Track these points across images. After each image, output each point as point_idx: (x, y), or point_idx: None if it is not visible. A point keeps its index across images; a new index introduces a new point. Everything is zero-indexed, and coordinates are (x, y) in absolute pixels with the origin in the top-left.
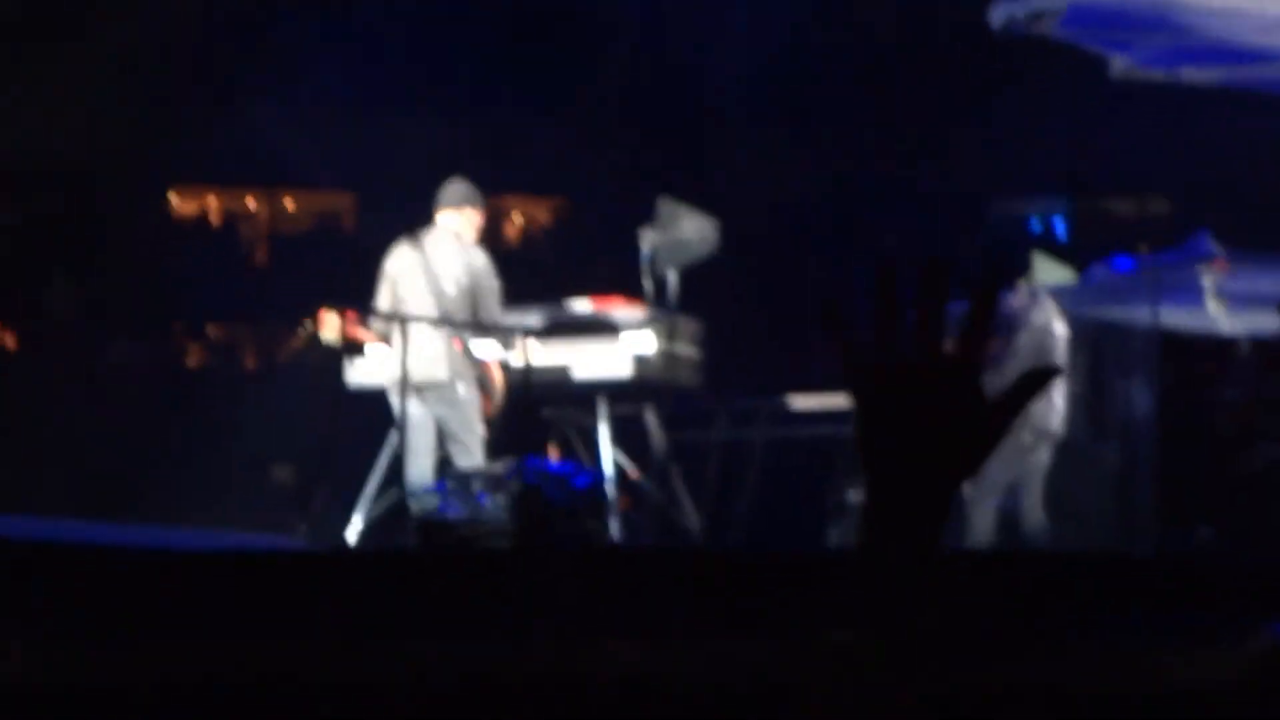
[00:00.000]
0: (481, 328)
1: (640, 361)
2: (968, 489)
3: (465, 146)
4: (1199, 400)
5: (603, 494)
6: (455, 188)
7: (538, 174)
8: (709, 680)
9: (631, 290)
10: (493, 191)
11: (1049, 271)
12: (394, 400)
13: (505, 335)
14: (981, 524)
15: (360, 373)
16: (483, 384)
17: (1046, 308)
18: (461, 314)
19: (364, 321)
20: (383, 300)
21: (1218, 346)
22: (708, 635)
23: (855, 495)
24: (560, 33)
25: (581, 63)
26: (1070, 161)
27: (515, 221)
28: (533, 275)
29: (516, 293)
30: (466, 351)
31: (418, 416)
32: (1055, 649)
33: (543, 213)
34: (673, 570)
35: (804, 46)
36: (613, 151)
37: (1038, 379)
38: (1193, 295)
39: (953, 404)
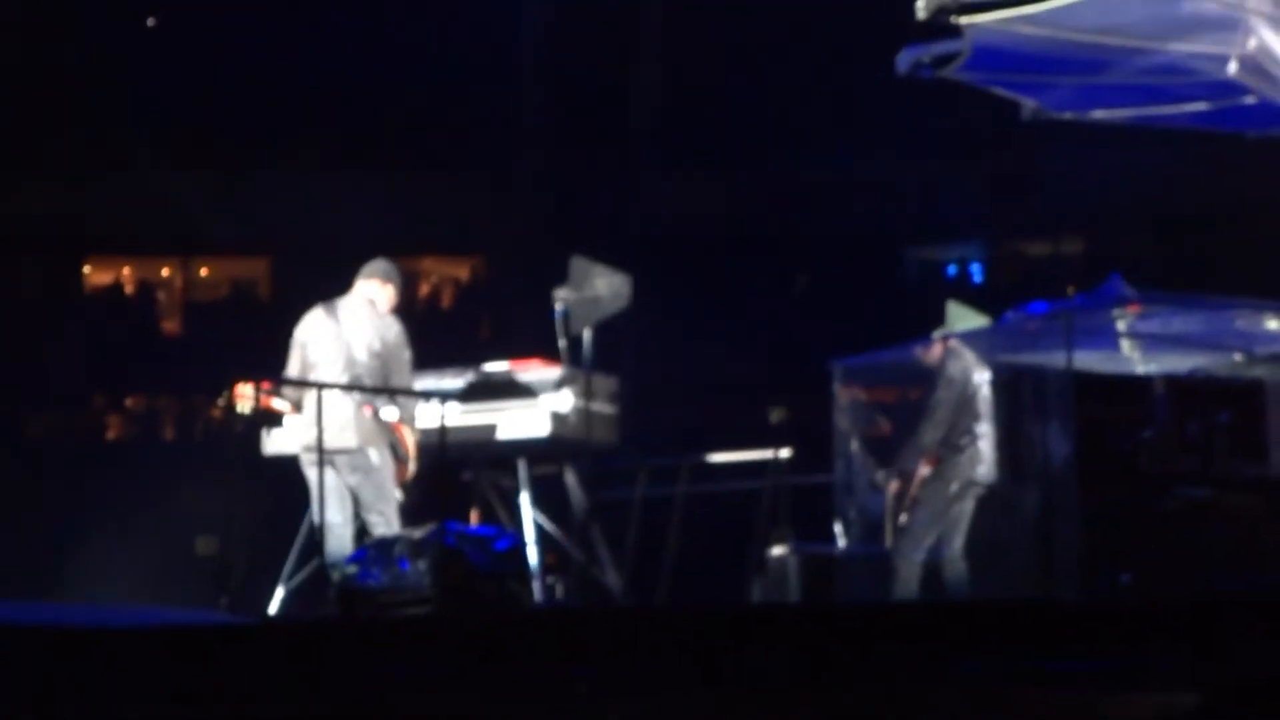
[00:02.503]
0: (394, 393)
1: (558, 420)
2: (896, 541)
3: (381, 208)
4: (1116, 442)
5: (524, 556)
6: (375, 262)
7: (453, 234)
8: None
9: (548, 350)
10: (410, 253)
11: (962, 318)
12: (307, 470)
13: (419, 401)
14: (907, 575)
15: (276, 442)
16: (395, 450)
17: (964, 357)
18: (372, 381)
19: (278, 391)
20: (293, 367)
21: (1133, 388)
22: (635, 694)
23: (777, 550)
24: (475, 96)
25: (495, 124)
26: (985, 205)
27: (431, 281)
28: (448, 335)
29: (433, 354)
30: (377, 418)
31: (333, 485)
32: (985, 695)
33: (459, 271)
34: (596, 631)
35: (716, 96)
36: (528, 211)
37: None
38: (1107, 338)
39: None
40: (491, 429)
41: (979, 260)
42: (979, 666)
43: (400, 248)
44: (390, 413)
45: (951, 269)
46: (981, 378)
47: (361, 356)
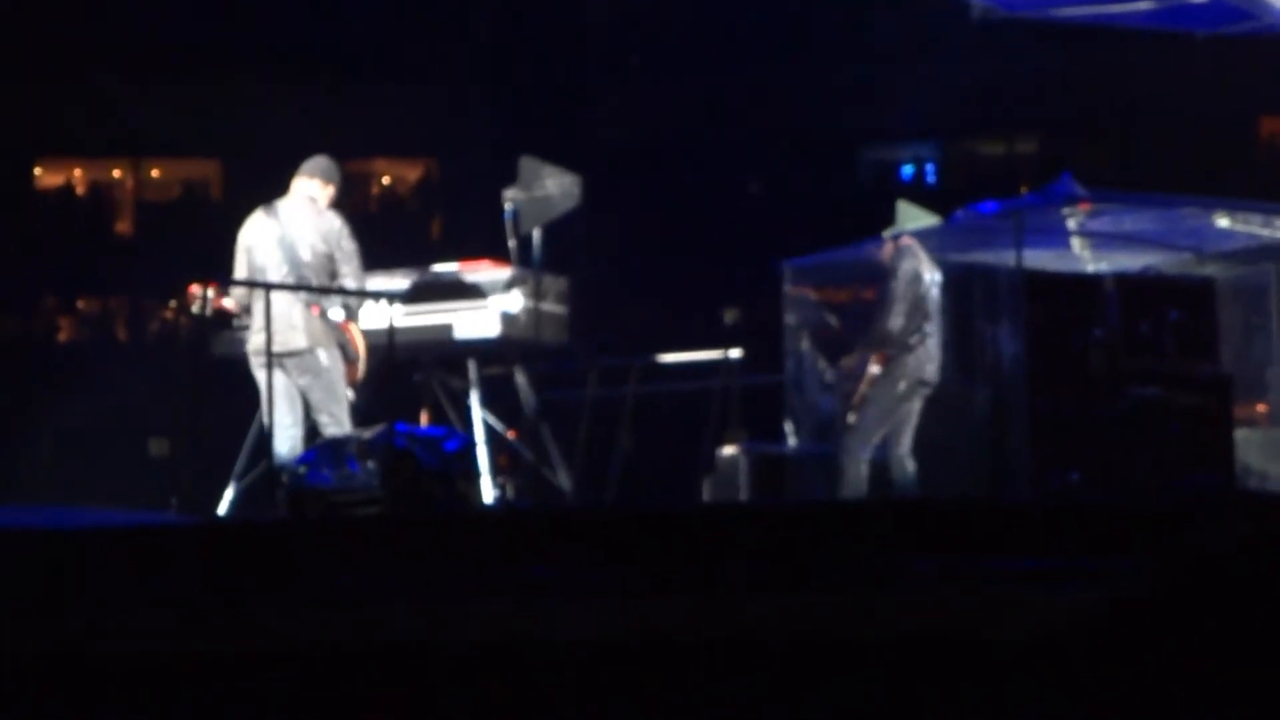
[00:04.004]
0: (344, 293)
1: (508, 321)
2: (844, 440)
3: (332, 111)
4: (1067, 341)
5: (474, 457)
6: (314, 160)
7: (405, 137)
8: (586, 639)
9: (499, 250)
10: (361, 155)
11: (913, 218)
12: (256, 373)
13: (369, 300)
14: (854, 474)
15: (227, 343)
16: (344, 350)
17: (916, 255)
18: (319, 280)
19: (227, 292)
20: (239, 270)
21: (1084, 287)
22: (587, 596)
23: (728, 450)
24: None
25: (448, 27)
26: (939, 105)
27: (383, 183)
28: (401, 237)
29: (384, 256)
30: (325, 318)
31: (282, 386)
32: (922, 593)
33: (411, 174)
34: (546, 531)
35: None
36: (480, 114)
37: None
38: (1057, 236)
39: None
40: (441, 329)
41: (933, 160)
42: (927, 566)
43: (352, 149)
44: (337, 313)
45: (905, 169)
46: (932, 277)
47: (305, 256)
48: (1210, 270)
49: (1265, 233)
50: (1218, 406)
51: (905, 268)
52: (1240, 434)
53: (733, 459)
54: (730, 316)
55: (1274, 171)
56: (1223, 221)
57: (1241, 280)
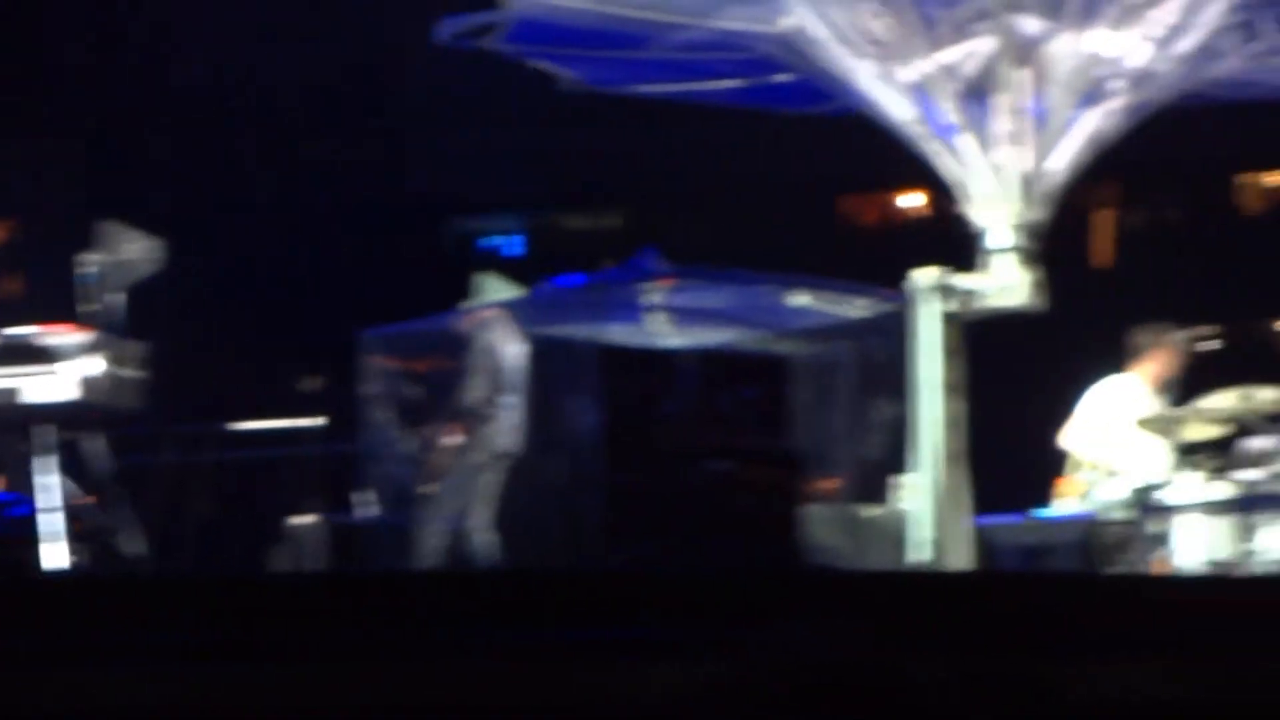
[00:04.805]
0: None
1: (85, 385)
2: (421, 510)
3: None
4: (644, 415)
5: (38, 523)
6: None
7: None
8: (143, 704)
9: (78, 315)
10: None
11: (495, 290)
12: None
13: None
14: (431, 545)
15: None
16: None
17: (497, 327)
18: None
19: None
20: None
21: (663, 361)
22: (149, 662)
23: (302, 519)
24: (9, 54)
25: (29, 85)
26: (525, 176)
27: None
28: None
29: None
30: None
31: None
32: (504, 666)
33: None
34: (109, 598)
35: (259, 66)
36: (60, 175)
37: None
38: (637, 311)
39: None
40: (14, 393)
41: (518, 232)
42: (501, 637)
43: None
44: None
45: (490, 240)
46: (512, 349)
47: None
48: (787, 347)
49: (841, 311)
50: (788, 482)
51: (486, 340)
52: (811, 509)
53: (306, 528)
54: (309, 384)
55: (852, 250)
56: (800, 299)
57: (817, 357)
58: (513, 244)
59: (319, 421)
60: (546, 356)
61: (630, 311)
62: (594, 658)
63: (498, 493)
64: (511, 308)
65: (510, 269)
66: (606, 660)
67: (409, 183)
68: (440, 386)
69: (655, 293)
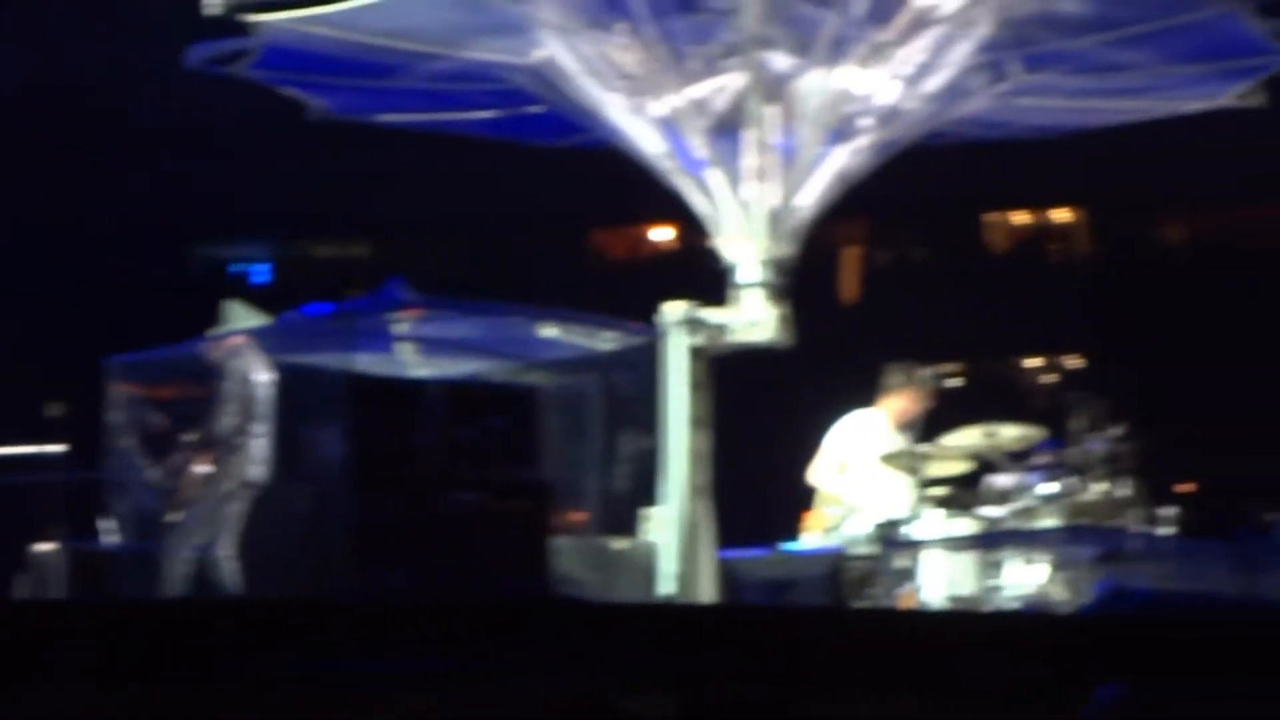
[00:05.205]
0: None
1: None
2: (166, 538)
3: None
4: (391, 445)
5: None
6: None
7: None
8: None
9: None
10: None
11: (242, 318)
12: None
13: None
14: (176, 573)
15: None
16: None
17: (246, 355)
18: None
19: None
20: None
21: (411, 391)
22: None
23: (45, 546)
24: None
25: None
26: (274, 203)
27: None
28: None
29: None
30: None
31: None
32: (250, 694)
33: None
34: None
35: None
36: None
37: None
38: (385, 341)
39: None
40: None
41: (267, 260)
42: (245, 665)
43: None
44: None
45: (239, 267)
46: (260, 377)
47: None
48: (535, 378)
49: (589, 343)
50: (536, 513)
51: (234, 367)
52: (560, 541)
53: (51, 555)
54: (54, 410)
55: (602, 282)
56: (549, 331)
57: (566, 389)
58: (260, 271)
59: (62, 448)
60: (293, 385)
61: (378, 341)
62: (332, 688)
63: (244, 521)
64: (258, 335)
65: (257, 297)
66: (343, 691)
67: (155, 208)
68: (186, 414)
69: (403, 323)
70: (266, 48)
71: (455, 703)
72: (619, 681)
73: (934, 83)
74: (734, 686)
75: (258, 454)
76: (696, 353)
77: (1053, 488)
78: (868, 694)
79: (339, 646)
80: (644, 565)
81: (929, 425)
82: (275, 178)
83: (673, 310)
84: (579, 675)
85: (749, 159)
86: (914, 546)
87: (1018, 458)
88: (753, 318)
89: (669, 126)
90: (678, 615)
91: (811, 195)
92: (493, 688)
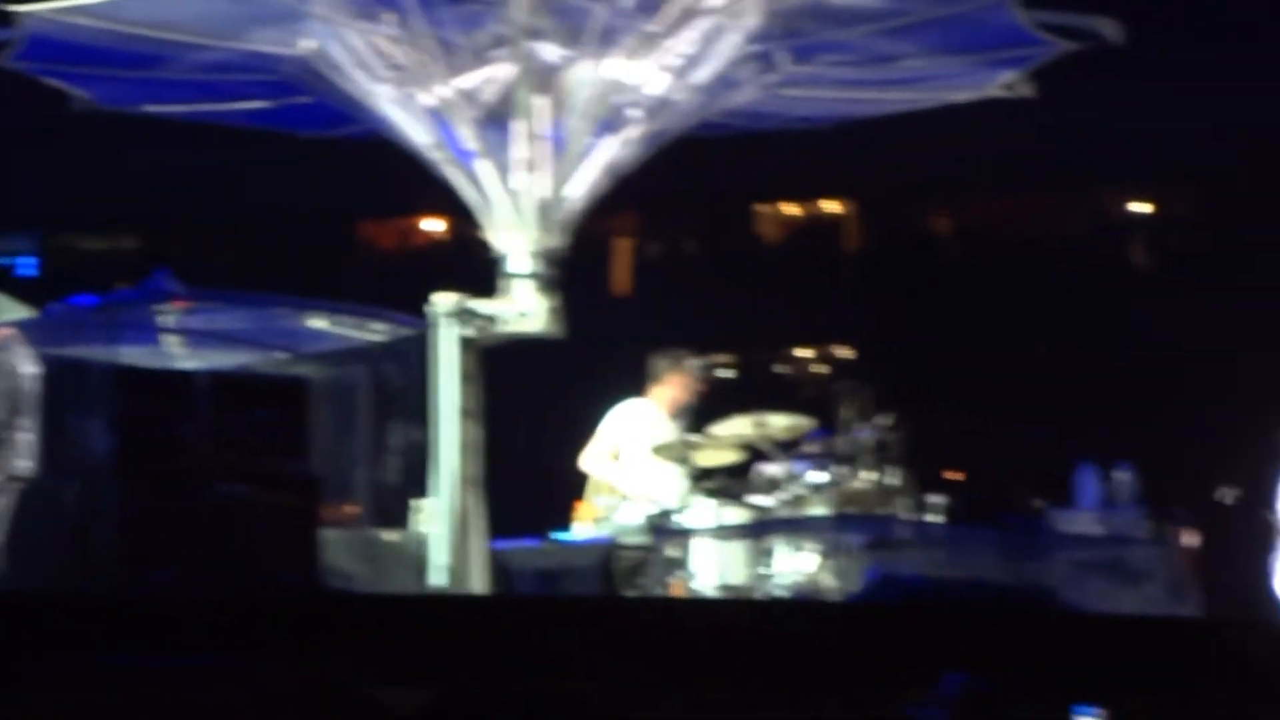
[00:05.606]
0: None
1: None
2: None
3: None
4: (158, 438)
5: None
6: None
7: None
8: None
9: None
10: None
11: (6, 309)
12: None
13: None
14: None
15: None
16: None
17: (12, 348)
18: None
19: None
20: None
21: (177, 384)
22: None
23: None
24: None
25: None
26: (39, 196)
27: None
28: None
29: None
30: None
31: None
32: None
33: None
34: None
35: None
36: None
37: None
38: (151, 332)
39: None
40: None
41: (32, 252)
42: (9, 663)
43: None
44: None
45: (6, 260)
46: (25, 370)
47: None
48: (303, 370)
49: (358, 335)
50: (305, 505)
51: (4, 361)
52: (328, 534)
53: None
54: None
55: (372, 273)
56: (317, 322)
57: (334, 381)
58: (27, 264)
59: None
60: (58, 378)
61: (145, 333)
62: (94, 682)
63: (8, 517)
64: (23, 328)
65: (23, 289)
66: (107, 686)
67: None
68: None
69: (169, 314)
70: (30, 38)
71: (205, 701)
72: (381, 674)
73: (703, 74)
74: (501, 677)
75: (24, 448)
76: (467, 344)
77: (822, 476)
78: (636, 682)
79: (104, 642)
80: (414, 557)
81: (700, 415)
82: (41, 171)
83: (443, 301)
84: (338, 667)
85: (518, 150)
86: (685, 535)
87: (787, 447)
88: (523, 308)
89: (438, 117)
90: (446, 606)
91: (581, 186)
92: (251, 683)
